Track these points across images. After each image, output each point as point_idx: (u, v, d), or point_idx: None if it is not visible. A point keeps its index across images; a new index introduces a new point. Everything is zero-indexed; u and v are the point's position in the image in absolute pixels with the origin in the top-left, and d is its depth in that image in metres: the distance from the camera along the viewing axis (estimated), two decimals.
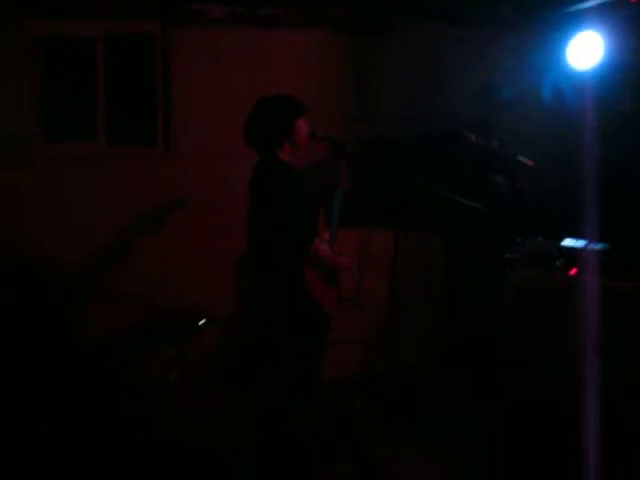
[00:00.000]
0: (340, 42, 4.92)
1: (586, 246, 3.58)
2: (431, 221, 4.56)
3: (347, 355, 4.59)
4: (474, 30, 4.97)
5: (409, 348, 4.48)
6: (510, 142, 4.58)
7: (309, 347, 3.44)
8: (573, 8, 4.52)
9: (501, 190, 4.43)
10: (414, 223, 4.45)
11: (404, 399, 4.34)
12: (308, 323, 3.35)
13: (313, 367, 3.58)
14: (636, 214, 4.07)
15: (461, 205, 3.95)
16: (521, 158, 4.12)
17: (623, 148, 4.56)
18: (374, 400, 4.34)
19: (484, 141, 4.40)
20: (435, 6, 4.82)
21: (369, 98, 4.93)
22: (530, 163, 4.09)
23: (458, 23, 4.96)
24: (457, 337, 4.64)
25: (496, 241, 4.19)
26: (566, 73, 4.59)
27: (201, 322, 4.64)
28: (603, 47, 4.29)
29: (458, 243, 4.60)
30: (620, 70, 4.97)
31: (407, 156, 4.62)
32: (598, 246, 3.56)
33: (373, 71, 4.95)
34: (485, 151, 4.42)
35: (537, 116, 4.77)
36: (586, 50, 4.31)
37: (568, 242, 3.69)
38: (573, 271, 3.52)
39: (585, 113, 4.30)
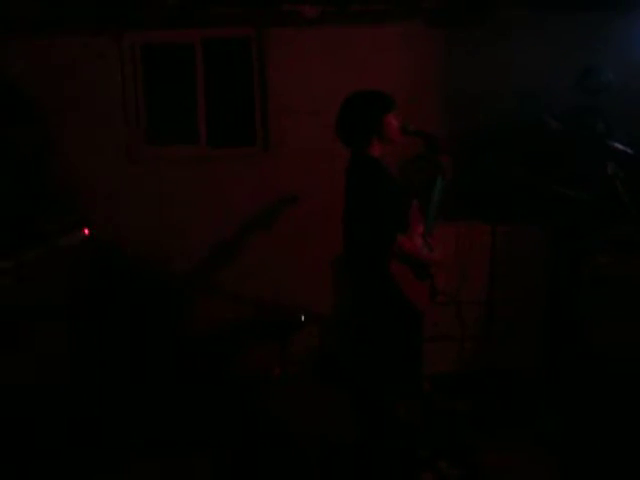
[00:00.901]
0: (433, 35, 4.87)
1: None
2: (530, 213, 4.44)
3: (447, 352, 4.55)
4: (573, 15, 4.81)
5: (510, 345, 4.39)
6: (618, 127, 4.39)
7: (403, 341, 3.44)
8: None
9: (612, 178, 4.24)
10: (512, 216, 4.36)
11: (505, 397, 4.26)
12: (399, 317, 3.35)
13: (411, 362, 3.58)
14: None
15: (564, 196, 3.85)
16: (616, 144, 3.94)
17: None
18: (475, 398, 4.28)
19: (574, 127, 4.24)
20: None
21: (463, 91, 4.85)
22: (628, 150, 3.90)
23: (554, 7, 4.82)
24: (559, 334, 4.50)
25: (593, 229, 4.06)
26: None
27: (303, 318, 4.71)
28: None
29: (561, 235, 4.46)
30: None
31: (503, 148, 4.51)
32: None
33: (467, 63, 4.87)
34: (573, 137, 4.26)
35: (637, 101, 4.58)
36: None
37: None
38: None
39: None
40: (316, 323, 4.86)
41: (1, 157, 4.52)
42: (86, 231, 4.28)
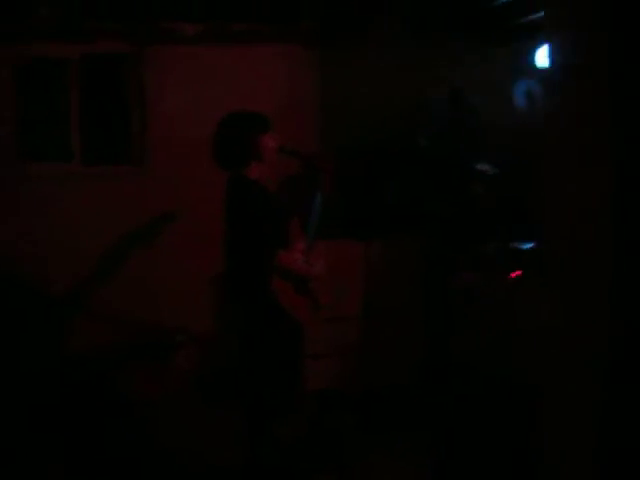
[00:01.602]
0: (311, 55, 4.99)
1: (530, 248, 3.65)
2: (405, 229, 4.60)
3: (325, 368, 4.61)
4: (444, 37, 5.04)
5: (388, 357, 4.51)
6: (479, 148, 4.63)
7: (285, 356, 3.47)
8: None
9: (473, 195, 4.48)
10: (387, 232, 4.50)
11: (381, 411, 4.36)
12: (280, 333, 3.39)
13: (292, 377, 3.62)
14: None
15: (433, 213, 4.03)
16: (480, 166, 4.18)
17: None
18: (356, 412, 4.36)
19: (445, 147, 4.45)
20: (404, 13, 4.88)
21: (341, 109, 4.97)
22: (488, 171, 4.15)
23: (427, 31, 5.03)
24: (432, 346, 4.66)
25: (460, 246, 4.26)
26: (538, 79, 4.68)
27: (181, 338, 4.66)
28: None
29: (434, 249, 4.64)
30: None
31: (378, 165, 4.66)
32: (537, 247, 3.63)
33: (344, 83, 4.99)
34: (441, 157, 4.47)
35: (505, 123, 4.84)
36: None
37: (517, 245, 3.77)
38: (515, 273, 3.58)
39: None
40: (196, 342, 4.81)
41: None
42: None
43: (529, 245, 3.73)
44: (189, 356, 4.82)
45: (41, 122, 4.91)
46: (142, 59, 4.87)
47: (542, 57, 4.53)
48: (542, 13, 4.34)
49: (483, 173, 4.20)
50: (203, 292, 4.92)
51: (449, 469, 3.54)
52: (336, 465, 3.79)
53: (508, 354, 3.37)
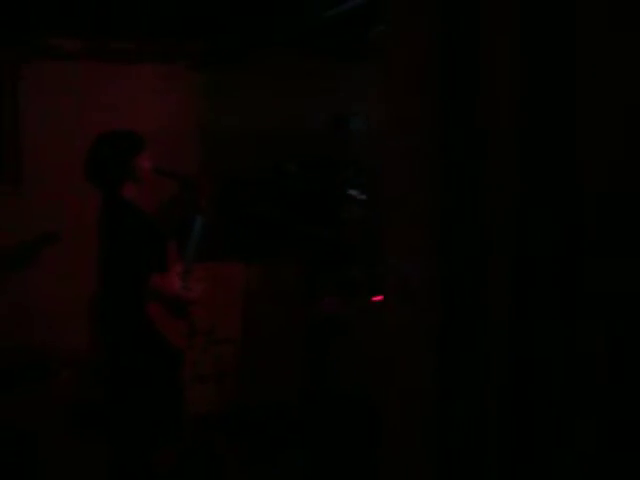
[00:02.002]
0: (196, 77, 4.97)
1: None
2: (286, 251, 4.62)
3: (206, 392, 4.55)
4: (328, 61, 5.13)
5: (269, 381, 4.49)
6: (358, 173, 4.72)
7: (161, 382, 3.40)
8: None
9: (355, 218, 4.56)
10: (269, 254, 4.51)
11: (261, 434, 4.34)
12: (156, 358, 3.32)
13: (171, 403, 3.54)
14: None
15: (310, 234, 4.09)
16: (352, 192, 4.28)
17: None
18: (235, 436, 4.32)
19: (318, 172, 4.52)
20: (288, 37, 4.94)
21: (224, 132, 4.97)
22: (360, 197, 4.25)
23: (312, 54, 5.11)
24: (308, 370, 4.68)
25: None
26: None
27: (57, 363, 4.49)
28: None
29: (312, 271, 4.68)
30: None
31: (258, 188, 4.68)
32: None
33: (227, 106, 5.00)
34: (313, 183, 4.54)
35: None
36: None
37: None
38: (377, 297, 3.66)
39: None
40: (71, 367, 4.64)
41: None
42: None
43: None
44: (65, 382, 4.65)
45: None
46: (18, 75, 4.69)
47: None
48: None
49: (356, 199, 4.29)
50: (81, 315, 4.76)
51: None
52: None
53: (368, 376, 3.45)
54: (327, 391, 4.15)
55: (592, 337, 1.69)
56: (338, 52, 5.16)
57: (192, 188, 3.55)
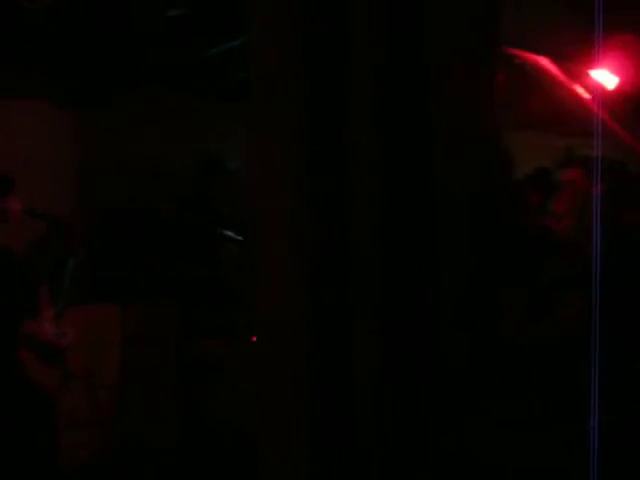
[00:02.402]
0: (66, 114, 4.82)
1: None
2: (163, 292, 4.55)
3: (83, 439, 4.38)
4: (199, 101, 5.15)
5: (148, 425, 4.39)
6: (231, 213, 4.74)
7: (32, 432, 3.26)
8: None
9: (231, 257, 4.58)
10: (148, 295, 4.42)
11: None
12: (25, 407, 3.19)
13: (41, 452, 3.40)
14: None
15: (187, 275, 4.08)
16: (228, 232, 4.31)
17: None
18: None
19: (191, 213, 4.52)
20: (158, 76, 4.93)
21: (98, 171, 4.86)
22: (237, 237, 4.30)
23: (182, 94, 5.11)
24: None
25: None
26: None
27: None
28: None
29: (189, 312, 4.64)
30: None
31: (134, 229, 4.61)
32: None
33: (102, 143, 4.90)
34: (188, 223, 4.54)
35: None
36: None
37: None
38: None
39: None
40: None
41: None
42: None
43: None
44: None
45: None
46: None
47: None
48: None
49: (230, 238, 4.32)
50: None
51: None
52: None
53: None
54: (205, 432, 4.12)
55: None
56: (213, 92, 5.19)
57: (63, 229, 3.47)
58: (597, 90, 3.35)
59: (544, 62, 3.52)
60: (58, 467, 3.58)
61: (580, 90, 3.42)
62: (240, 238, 4.28)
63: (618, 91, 3.45)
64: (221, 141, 5.00)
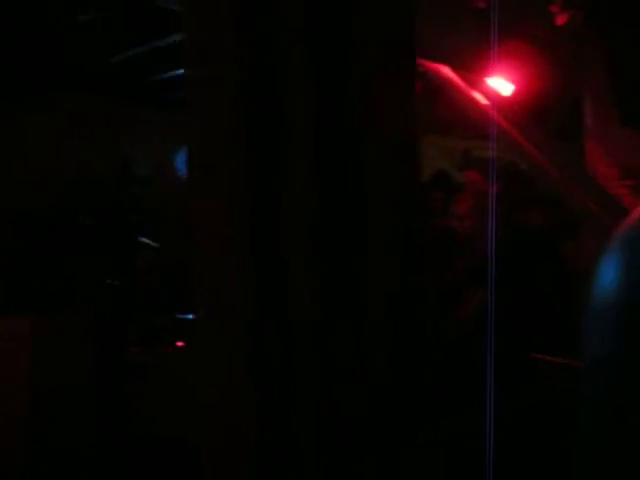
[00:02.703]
0: None
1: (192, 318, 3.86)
2: (81, 300, 4.48)
3: None
4: (114, 104, 5.10)
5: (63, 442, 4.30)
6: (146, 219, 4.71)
7: None
8: None
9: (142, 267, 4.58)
10: (62, 304, 4.34)
11: None
12: None
13: None
14: None
15: (103, 283, 4.04)
16: (144, 239, 4.32)
17: None
18: None
19: (109, 219, 4.50)
20: (74, 79, 4.86)
21: (10, 177, 4.75)
22: (153, 244, 4.32)
23: (98, 97, 5.05)
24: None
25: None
26: None
27: None
28: None
29: (103, 322, 4.58)
30: None
31: (46, 237, 4.52)
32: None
33: (11, 146, 4.79)
34: (102, 232, 4.51)
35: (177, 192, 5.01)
36: None
37: (182, 316, 3.93)
38: (180, 343, 3.74)
39: None
40: None
41: None
42: None
43: (191, 316, 3.89)
44: None
45: None
46: None
47: None
48: None
49: (147, 245, 4.32)
50: None
51: None
52: None
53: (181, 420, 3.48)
54: (130, 438, 4.09)
55: None
56: (125, 94, 5.16)
57: None
58: (493, 96, 3.53)
59: (445, 70, 3.68)
60: None
61: (478, 96, 3.58)
62: (156, 244, 4.28)
63: (513, 97, 3.64)
64: (137, 146, 4.98)
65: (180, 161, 5.13)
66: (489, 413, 2.10)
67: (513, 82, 3.62)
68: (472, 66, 3.57)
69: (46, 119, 4.88)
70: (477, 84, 3.65)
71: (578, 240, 3.31)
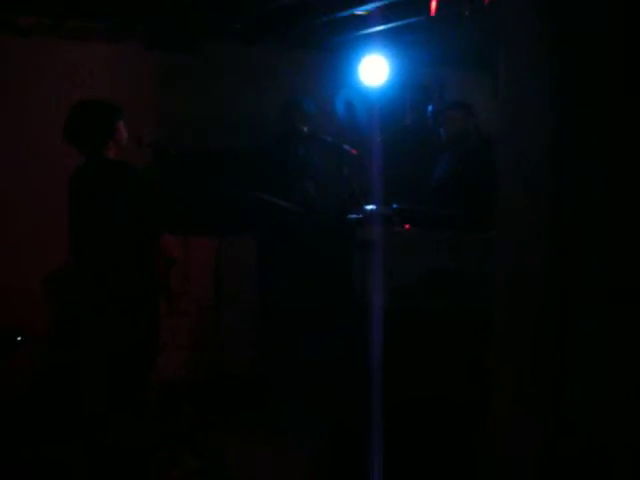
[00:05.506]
0: (149, 58, 4.99)
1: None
2: (256, 226, 4.78)
3: (175, 360, 4.66)
4: (274, 51, 5.33)
5: (237, 350, 4.65)
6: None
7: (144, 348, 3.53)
8: (363, 32, 5.01)
9: (308, 193, 4.85)
10: (240, 229, 4.66)
11: (236, 399, 4.47)
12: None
13: (146, 370, 3.64)
14: None
15: (276, 208, 4.31)
16: (346, 147, 4.57)
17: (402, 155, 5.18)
18: (205, 404, 4.43)
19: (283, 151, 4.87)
20: (238, 27, 5.09)
21: (179, 114, 5.05)
22: (354, 152, 4.55)
23: (259, 44, 5.28)
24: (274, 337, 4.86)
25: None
26: (357, 90, 5.10)
27: (21, 338, 4.45)
28: (388, 68, 4.86)
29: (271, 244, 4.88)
30: (402, 89, 5.61)
31: (219, 167, 4.81)
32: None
33: (182, 88, 5.09)
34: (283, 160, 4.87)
35: (332, 128, 5.22)
36: (374, 70, 4.86)
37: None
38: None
39: (372, 125, 4.86)
40: (35, 343, 4.58)
41: None
42: None
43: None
44: (29, 357, 4.61)
45: None
46: None
47: (366, 70, 4.93)
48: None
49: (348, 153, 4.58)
50: (39, 290, 4.74)
51: None
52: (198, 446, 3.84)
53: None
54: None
55: None
56: (286, 40, 5.35)
57: (168, 159, 3.73)
58: None
59: None
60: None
61: None
62: (354, 151, 4.53)
63: None
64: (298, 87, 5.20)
65: (339, 101, 5.33)
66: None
67: None
68: None
69: (214, 62, 5.17)
70: None
71: None
